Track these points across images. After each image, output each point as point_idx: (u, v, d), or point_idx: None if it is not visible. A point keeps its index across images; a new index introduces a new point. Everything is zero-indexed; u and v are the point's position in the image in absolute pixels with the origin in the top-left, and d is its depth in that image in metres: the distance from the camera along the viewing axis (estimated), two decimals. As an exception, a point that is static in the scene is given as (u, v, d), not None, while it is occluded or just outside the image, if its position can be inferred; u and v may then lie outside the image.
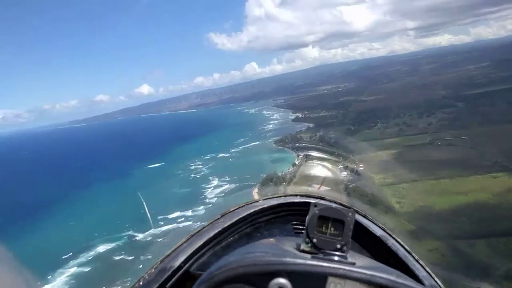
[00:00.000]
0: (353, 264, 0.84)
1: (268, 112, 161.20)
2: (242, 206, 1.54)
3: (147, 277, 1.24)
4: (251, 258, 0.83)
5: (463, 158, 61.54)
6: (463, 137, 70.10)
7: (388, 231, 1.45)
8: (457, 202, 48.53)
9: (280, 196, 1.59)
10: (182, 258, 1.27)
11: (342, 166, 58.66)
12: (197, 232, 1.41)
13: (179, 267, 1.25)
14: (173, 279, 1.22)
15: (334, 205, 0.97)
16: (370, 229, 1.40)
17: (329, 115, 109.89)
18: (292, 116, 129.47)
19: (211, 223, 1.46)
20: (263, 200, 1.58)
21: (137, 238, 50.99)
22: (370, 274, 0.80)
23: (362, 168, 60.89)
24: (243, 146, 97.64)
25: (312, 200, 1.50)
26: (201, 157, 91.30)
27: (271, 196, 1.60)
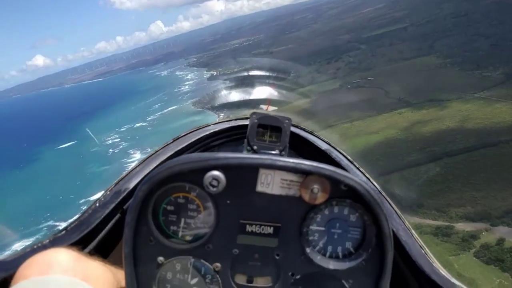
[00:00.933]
0: (281, 156, 0.92)
1: (181, 73, 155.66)
2: (194, 131, 1.54)
3: (103, 199, 1.25)
4: (186, 157, 0.90)
5: (371, 98, 66.80)
6: (369, 78, 75.44)
7: (332, 144, 1.49)
8: (371, 141, 53.10)
9: (231, 120, 1.56)
10: (136, 180, 1.30)
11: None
12: (149, 156, 1.42)
13: (134, 189, 1.26)
14: (129, 200, 1.22)
15: (272, 114, 1.03)
16: (315, 144, 1.45)
17: (243, 69, 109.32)
18: (207, 74, 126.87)
19: (163, 147, 1.46)
20: (214, 124, 1.57)
21: (60, 228, 47.43)
22: (295, 162, 0.87)
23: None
24: (160, 112, 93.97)
25: None
26: (117, 130, 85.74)
27: (223, 120, 1.57)
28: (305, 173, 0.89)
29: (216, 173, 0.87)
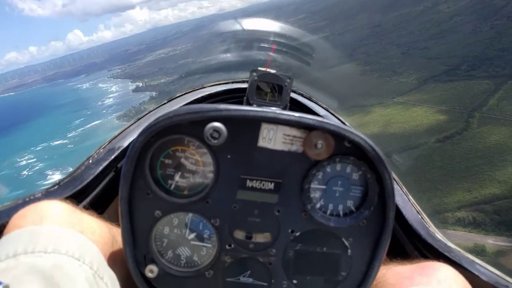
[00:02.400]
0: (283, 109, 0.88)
1: (104, 85, 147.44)
2: (189, 92, 1.51)
3: (96, 156, 1.23)
4: (186, 107, 0.86)
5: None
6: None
7: (331, 110, 1.48)
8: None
9: (227, 82, 1.55)
10: (130, 138, 1.27)
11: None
12: (144, 116, 1.39)
13: (128, 146, 1.23)
14: (123, 159, 1.18)
15: (273, 71, 1.00)
16: (314, 110, 1.43)
17: (170, 81, 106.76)
18: (132, 86, 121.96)
19: (158, 107, 1.45)
20: (209, 86, 1.55)
21: None
22: (299, 116, 0.84)
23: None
24: (81, 128, 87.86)
25: None
26: (31, 149, 78.17)
27: (218, 83, 1.56)
28: (308, 128, 0.86)
29: (217, 124, 0.83)
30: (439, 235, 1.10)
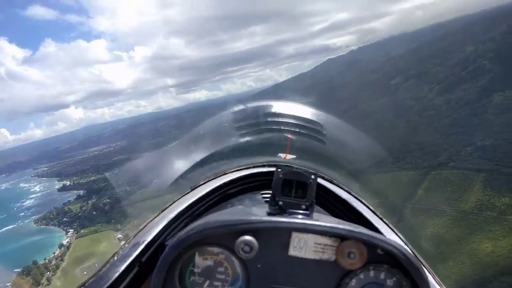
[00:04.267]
0: (315, 219, 0.89)
1: (26, 185, 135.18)
2: (212, 179, 1.54)
3: (121, 252, 1.24)
4: (217, 220, 0.87)
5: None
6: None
7: (353, 193, 1.49)
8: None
9: (249, 167, 1.59)
10: (155, 232, 1.28)
11: (121, 235, 52.85)
12: (168, 207, 1.42)
13: (153, 240, 1.25)
14: (148, 252, 1.23)
15: (297, 168, 1.04)
16: (336, 193, 1.46)
17: (102, 178, 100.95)
18: (58, 185, 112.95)
19: (181, 196, 1.47)
20: (231, 172, 1.59)
21: None
22: (330, 226, 0.85)
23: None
24: (-9, 234, 76.33)
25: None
26: None
27: (240, 168, 1.60)
28: (340, 238, 0.86)
29: (248, 238, 0.84)
30: None
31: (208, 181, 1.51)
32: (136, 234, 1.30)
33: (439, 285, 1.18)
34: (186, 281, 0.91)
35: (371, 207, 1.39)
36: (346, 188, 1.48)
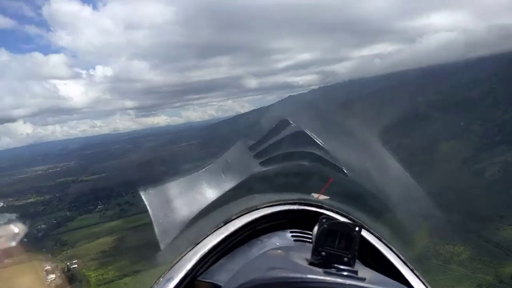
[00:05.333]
0: (363, 279, 0.88)
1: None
2: (244, 214, 1.55)
3: (156, 287, 1.26)
4: (272, 275, 0.86)
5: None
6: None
7: (383, 240, 1.48)
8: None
9: (280, 204, 1.60)
10: (188, 267, 1.28)
11: (50, 267, 47.66)
12: (201, 241, 1.43)
13: (186, 275, 1.26)
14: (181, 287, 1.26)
15: (341, 219, 1.04)
16: (384, 255, 1.43)
17: (40, 201, 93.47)
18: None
19: (214, 231, 1.48)
20: (263, 207, 1.60)
21: None
22: None
23: (75, 266, 52.04)
24: None
25: (310, 208, 1.57)
26: None
27: (271, 204, 1.61)
28: None
29: None
30: None
31: (240, 216, 1.51)
32: (170, 268, 1.29)
33: None
34: None
35: (402, 257, 1.35)
36: (395, 250, 1.42)
